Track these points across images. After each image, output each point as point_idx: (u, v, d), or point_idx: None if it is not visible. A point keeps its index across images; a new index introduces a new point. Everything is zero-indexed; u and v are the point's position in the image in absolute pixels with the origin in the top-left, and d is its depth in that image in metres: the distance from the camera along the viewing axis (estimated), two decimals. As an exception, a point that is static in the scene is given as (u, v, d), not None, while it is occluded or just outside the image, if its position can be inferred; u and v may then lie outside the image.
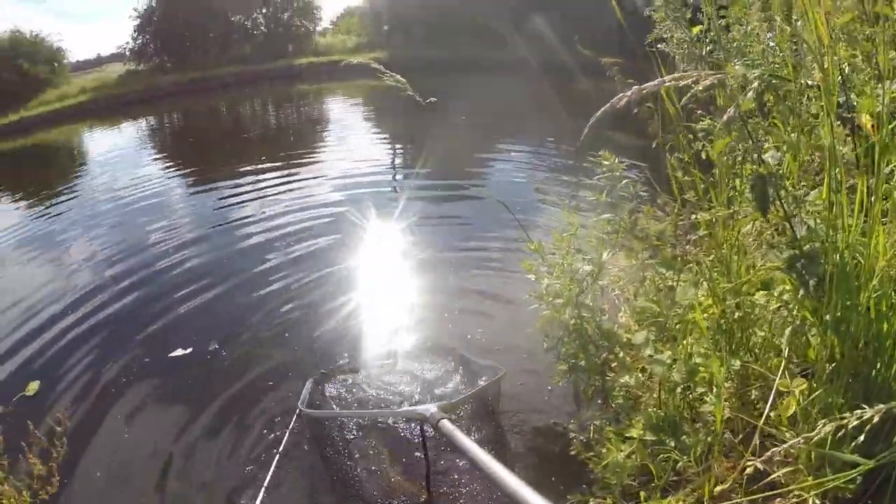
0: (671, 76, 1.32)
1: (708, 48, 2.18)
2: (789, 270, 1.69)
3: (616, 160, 2.42)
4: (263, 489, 2.55)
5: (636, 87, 1.31)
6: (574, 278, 2.39)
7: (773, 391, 1.75)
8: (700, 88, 1.26)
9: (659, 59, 2.61)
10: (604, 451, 2.11)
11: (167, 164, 10.09)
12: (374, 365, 3.61)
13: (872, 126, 1.55)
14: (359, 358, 3.73)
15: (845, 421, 1.27)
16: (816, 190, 1.81)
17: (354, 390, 3.38)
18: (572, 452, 2.35)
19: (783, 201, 1.71)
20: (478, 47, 23.47)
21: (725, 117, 1.33)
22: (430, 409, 2.31)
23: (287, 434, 2.97)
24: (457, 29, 25.12)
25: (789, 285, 1.84)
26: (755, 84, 1.36)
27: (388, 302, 4.46)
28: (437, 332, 3.94)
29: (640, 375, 2.39)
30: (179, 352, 4.02)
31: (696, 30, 2.06)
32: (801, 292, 1.73)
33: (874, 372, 1.72)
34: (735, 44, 1.96)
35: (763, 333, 2.18)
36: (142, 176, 9.27)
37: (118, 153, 12.05)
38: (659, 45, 2.73)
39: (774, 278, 2.26)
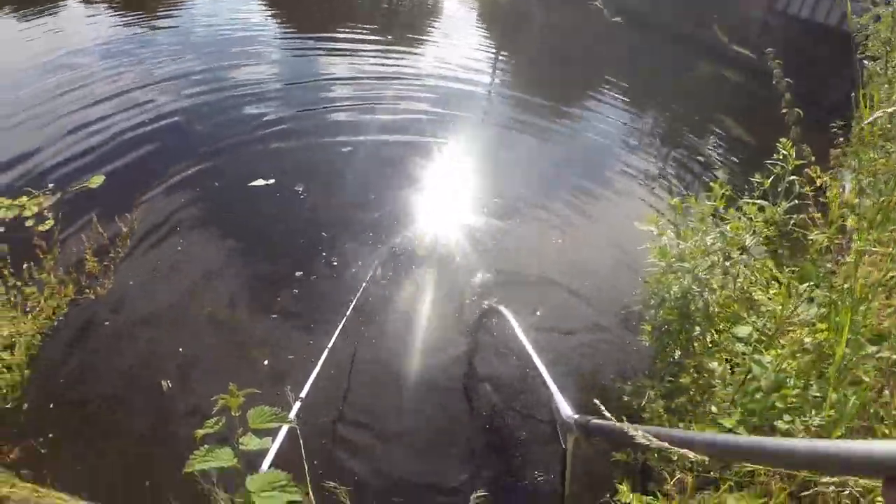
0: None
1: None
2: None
3: (793, 152, 2.29)
4: (325, 354, 2.39)
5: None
6: (706, 249, 2.32)
7: None
8: None
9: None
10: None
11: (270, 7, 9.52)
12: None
13: None
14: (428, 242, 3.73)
15: None
16: None
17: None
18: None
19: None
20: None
21: None
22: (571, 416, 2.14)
23: (353, 301, 2.97)
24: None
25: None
26: None
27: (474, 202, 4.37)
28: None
29: (726, 365, 2.36)
30: (260, 182, 4.01)
31: None
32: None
33: None
34: None
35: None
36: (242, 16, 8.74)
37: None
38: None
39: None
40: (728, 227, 2.35)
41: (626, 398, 2.68)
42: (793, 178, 2.32)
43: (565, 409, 2.26)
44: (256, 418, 1.38)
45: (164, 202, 3.71)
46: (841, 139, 3.40)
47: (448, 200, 4.26)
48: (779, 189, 2.27)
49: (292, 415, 1.86)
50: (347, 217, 3.82)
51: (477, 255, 3.68)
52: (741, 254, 2.27)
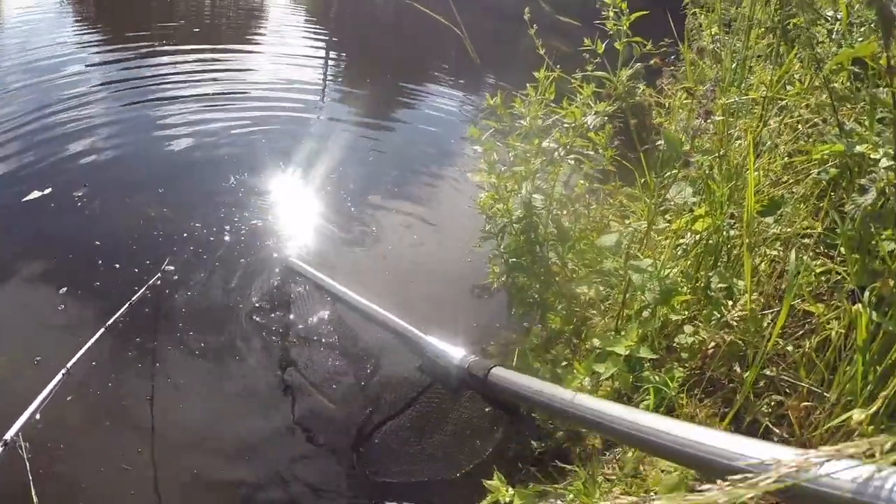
0: None
1: None
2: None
3: (625, 6, 1.82)
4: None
5: None
6: (541, 149, 1.77)
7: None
8: None
9: None
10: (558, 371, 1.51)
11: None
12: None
13: None
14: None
15: None
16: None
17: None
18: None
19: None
20: None
21: None
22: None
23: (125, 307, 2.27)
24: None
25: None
26: None
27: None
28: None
29: (599, 288, 1.81)
30: (36, 194, 3.23)
31: None
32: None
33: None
34: None
35: (774, 253, 1.64)
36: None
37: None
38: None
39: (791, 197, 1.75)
40: (563, 116, 1.84)
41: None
42: (633, 39, 1.85)
43: (449, 353, 1.67)
44: None
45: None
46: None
47: (271, 189, 3.59)
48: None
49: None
50: (134, 214, 3.09)
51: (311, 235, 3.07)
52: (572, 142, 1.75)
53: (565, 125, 1.81)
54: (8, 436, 1.44)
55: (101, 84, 5.12)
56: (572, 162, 1.83)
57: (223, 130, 4.27)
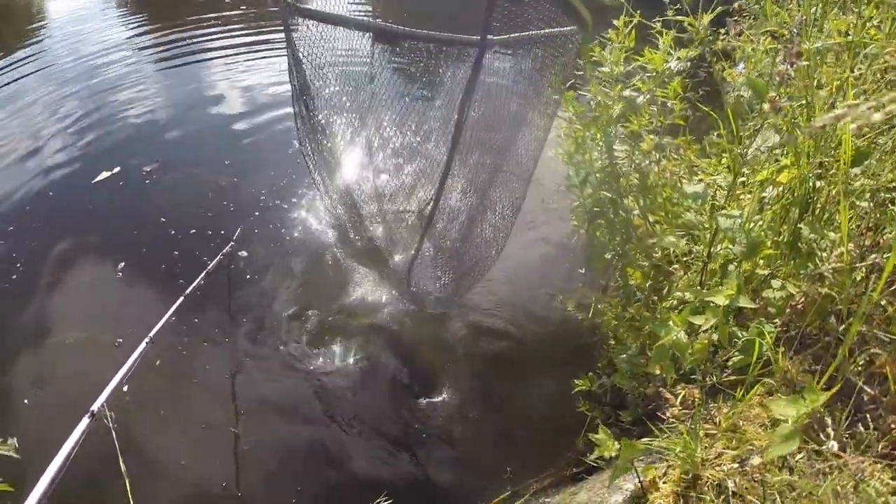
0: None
1: None
2: None
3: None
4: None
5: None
6: (622, 97, 1.74)
7: None
8: None
9: None
10: (648, 326, 1.50)
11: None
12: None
13: None
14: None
15: None
16: None
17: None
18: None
19: None
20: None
21: None
22: None
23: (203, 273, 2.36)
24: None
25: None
26: None
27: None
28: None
29: (681, 242, 1.79)
30: (105, 174, 3.35)
31: None
32: None
33: None
34: None
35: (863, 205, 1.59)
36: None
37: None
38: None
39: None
40: (646, 62, 1.79)
41: (570, 311, 2.09)
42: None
43: None
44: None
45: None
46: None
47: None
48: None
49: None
50: (203, 186, 3.18)
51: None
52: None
53: (647, 73, 1.77)
54: (95, 407, 1.49)
55: (154, 65, 5.22)
56: (655, 110, 1.79)
57: (279, 101, 4.31)
